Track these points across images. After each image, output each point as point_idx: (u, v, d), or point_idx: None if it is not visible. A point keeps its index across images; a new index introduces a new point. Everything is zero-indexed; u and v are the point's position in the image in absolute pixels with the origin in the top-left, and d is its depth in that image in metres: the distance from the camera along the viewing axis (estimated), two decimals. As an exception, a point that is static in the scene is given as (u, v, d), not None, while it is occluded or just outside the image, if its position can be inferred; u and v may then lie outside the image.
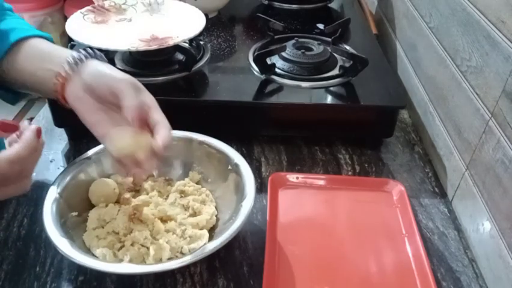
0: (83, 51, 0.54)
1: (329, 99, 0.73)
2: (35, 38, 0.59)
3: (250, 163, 0.60)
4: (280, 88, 0.74)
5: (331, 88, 0.74)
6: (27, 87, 0.59)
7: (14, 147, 0.45)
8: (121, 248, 0.53)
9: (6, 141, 0.48)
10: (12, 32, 0.58)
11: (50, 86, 0.53)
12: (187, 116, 0.72)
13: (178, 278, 0.54)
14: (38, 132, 0.47)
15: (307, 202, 0.63)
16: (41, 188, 0.57)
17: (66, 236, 0.50)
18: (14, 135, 0.47)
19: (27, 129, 0.47)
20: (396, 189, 0.64)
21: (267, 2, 1.05)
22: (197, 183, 0.62)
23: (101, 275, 0.53)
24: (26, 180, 0.48)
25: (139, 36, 0.76)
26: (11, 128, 0.47)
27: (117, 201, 0.59)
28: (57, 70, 0.52)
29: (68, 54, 0.53)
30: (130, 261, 0.51)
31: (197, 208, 0.58)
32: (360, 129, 0.75)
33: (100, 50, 0.72)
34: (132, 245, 0.52)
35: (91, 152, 0.61)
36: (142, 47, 0.71)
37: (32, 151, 0.46)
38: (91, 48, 0.55)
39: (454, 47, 0.67)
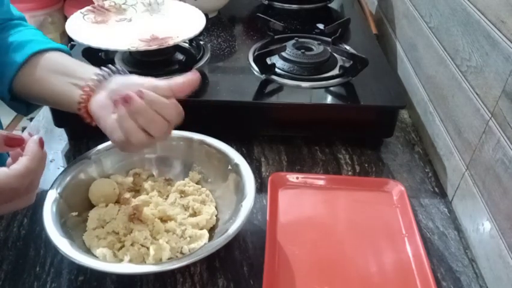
0: (106, 69, 0.54)
1: (329, 99, 0.73)
2: (53, 51, 0.59)
3: (250, 163, 0.60)
4: (280, 88, 0.74)
5: (331, 88, 0.74)
6: (44, 100, 0.59)
7: (22, 161, 0.44)
8: (121, 248, 0.53)
9: (9, 159, 0.47)
10: (30, 44, 0.59)
11: (73, 98, 0.53)
12: (187, 116, 0.71)
13: (178, 278, 0.54)
14: (41, 143, 0.46)
15: (307, 202, 0.63)
16: (41, 188, 0.57)
17: (66, 236, 0.50)
18: (17, 149, 0.47)
19: (31, 140, 0.46)
20: (396, 189, 0.64)
21: (267, 2, 1.05)
22: (197, 183, 0.62)
23: (101, 275, 0.53)
24: (33, 193, 0.48)
25: (139, 36, 0.76)
26: (16, 142, 0.47)
27: (117, 201, 0.59)
28: (83, 83, 0.53)
29: (92, 71, 0.54)
30: (130, 261, 0.51)
31: (197, 208, 0.58)
32: (360, 129, 0.75)
33: (100, 50, 0.73)
34: (132, 245, 0.52)
35: (91, 152, 0.61)
36: (142, 47, 0.71)
37: (39, 163, 0.46)
38: (114, 66, 0.55)
39: (454, 47, 0.67)
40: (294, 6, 1.02)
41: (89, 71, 0.54)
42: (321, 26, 0.94)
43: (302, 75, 0.76)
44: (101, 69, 0.54)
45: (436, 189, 0.68)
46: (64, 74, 0.56)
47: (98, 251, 0.52)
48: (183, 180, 0.62)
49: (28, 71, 0.57)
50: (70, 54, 0.62)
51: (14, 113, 2.35)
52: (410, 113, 0.84)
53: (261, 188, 0.66)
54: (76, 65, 0.57)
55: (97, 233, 0.54)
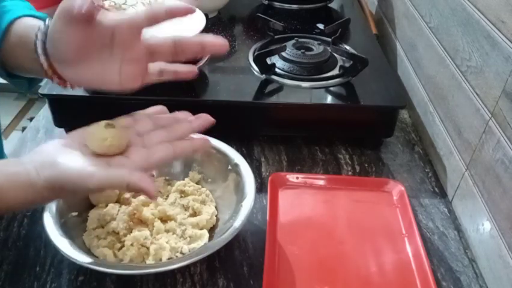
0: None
1: (329, 99, 0.73)
2: (25, 18, 0.56)
3: (250, 163, 0.60)
4: (280, 88, 0.74)
5: (331, 88, 0.74)
6: (25, 69, 0.56)
7: None
8: (121, 248, 0.53)
9: None
10: (5, 15, 0.56)
11: (40, 72, 0.50)
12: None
13: (178, 278, 0.54)
14: None
15: (307, 202, 0.63)
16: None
17: (66, 236, 0.50)
18: None
19: None
20: (396, 189, 0.64)
21: (267, 2, 1.05)
22: (197, 183, 0.62)
23: (101, 275, 0.53)
24: None
25: (139, 36, 0.76)
26: None
27: (117, 201, 0.59)
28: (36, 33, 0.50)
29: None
30: (130, 261, 0.51)
31: (197, 208, 0.58)
32: (360, 129, 0.75)
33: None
34: (132, 245, 0.52)
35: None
36: (142, 47, 0.71)
37: None
38: None
39: (454, 47, 0.67)
40: (294, 6, 1.02)
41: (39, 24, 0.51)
42: (321, 26, 0.94)
43: (302, 75, 0.76)
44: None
45: (436, 189, 0.68)
46: (24, 46, 0.52)
47: (98, 251, 0.52)
48: (183, 180, 0.62)
49: (4, 45, 0.55)
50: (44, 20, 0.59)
51: (14, 113, 2.36)
52: (410, 113, 0.84)
53: (261, 188, 0.66)
54: (34, 23, 0.53)
55: (97, 233, 0.54)
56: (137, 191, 0.44)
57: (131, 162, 0.45)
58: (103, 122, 0.47)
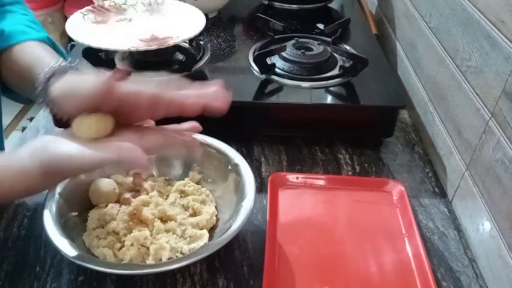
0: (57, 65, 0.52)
1: (329, 99, 0.73)
2: (28, 42, 0.58)
3: (250, 163, 0.60)
4: (280, 88, 0.74)
5: (331, 88, 0.74)
6: (23, 90, 0.58)
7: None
8: (121, 248, 0.53)
9: None
10: (8, 36, 0.58)
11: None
12: (187, 116, 0.72)
13: (178, 278, 0.54)
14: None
15: (307, 202, 0.63)
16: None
17: (66, 236, 0.50)
18: None
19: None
20: (396, 189, 0.64)
21: (267, 2, 1.05)
22: (197, 183, 0.62)
23: (101, 275, 0.53)
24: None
25: (139, 36, 0.76)
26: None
27: (117, 201, 0.59)
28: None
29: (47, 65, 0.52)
30: (130, 261, 0.51)
31: (197, 208, 0.58)
32: (360, 129, 0.75)
33: (100, 50, 0.73)
34: (132, 245, 0.52)
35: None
36: (142, 47, 0.71)
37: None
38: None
39: (454, 47, 0.67)
40: (294, 6, 1.02)
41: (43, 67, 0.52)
42: (321, 26, 0.94)
43: (302, 75, 0.76)
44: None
45: (436, 189, 0.68)
46: (22, 72, 0.54)
47: (98, 251, 0.52)
48: (183, 180, 0.62)
49: (3, 65, 0.57)
50: (46, 43, 0.60)
51: (14, 113, 2.35)
52: (410, 113, 0.84)
53: (261, 188, 0.66)
54: (35, 61, 0.55)
55: (97, 233, 0.54)
56: (129, 163, 0.45)
57: (122, 140, 0.46)
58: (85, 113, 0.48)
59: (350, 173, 0.70)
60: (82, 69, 0.53)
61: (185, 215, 0.57)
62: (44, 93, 0.50)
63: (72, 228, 0.54)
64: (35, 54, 0.56)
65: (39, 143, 0.46)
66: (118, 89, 0.45)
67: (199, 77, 0.77)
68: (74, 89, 0.47)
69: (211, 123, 0.72)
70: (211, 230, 0.57)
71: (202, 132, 0.64)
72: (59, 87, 0.48)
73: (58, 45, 0.63)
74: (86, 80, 0.47)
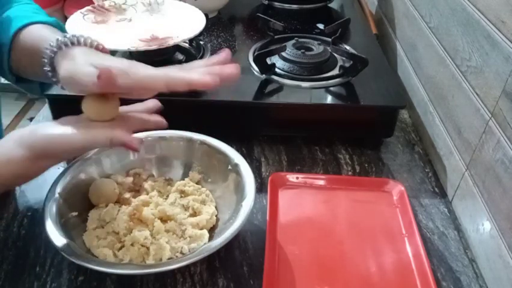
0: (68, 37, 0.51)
1: (329, 99, 0.73)
2: (35, 25, 0.57)
3: (250, 163, 0.60)
4: (280, 88, 0.74)
5: (331, 88, 0.74)
6: (35, 75, 0.58)
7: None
8: (121, 248, 0.53)
9: None
10: (13, 22, 0.58)
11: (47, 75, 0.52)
12: (187, 116, 0.72)
13: (178, 278, 0.54)
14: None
15: (307, 202, 0.63)
16: (41, 188, 0.57)
17: (66, 236, 0.50)
18: None
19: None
20: (396, 189, 0.64)
21: (267, 2, 1.05)
22: (197, 183, 0.62)
23: (101, 275, 0.53)
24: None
25: (139, 36, 0.76)
26: None
27: (117, 201, 0.59)
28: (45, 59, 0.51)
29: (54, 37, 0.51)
30: (130, 261, 0.51)
31: (197, 208, 0.58)
32: (360, 129, 0.75)
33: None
34: (132, 245, 0.52)
35: (91, 152, 0.61)
36: (142, 47, 0.71)
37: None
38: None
39: (454, 47, 0.67)
40: (294, 6, 1.02)
41: (51, 38, 0.52)
42: (321, 26, 0.94)
43: (302, 75, 0.76)
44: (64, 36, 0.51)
45: (436, 189, 0.68)
46: (32, 54, 0.54)
47: (98, 251, 0.52)
48: (183, 180, 0.62)
49: (13, 52, 0.57)
50: (54, 26, 0.59)
51: (14, 113, 2.35)
52: (410, 113, 0.84)
53: (261, 188, 0.66)
54: (41, 38, 0.54)
55: (97, 233, 0.54)
56: (120, 145, 0.46)
57: (112, 123, 0.48)
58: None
59: (350, 173, 0.70)
60: (86, 44, 0.51)
61: (185, 215, 0.57)
62: (53, 70, 0.51)
63: (72, 228, 0.54)
64: (42, 34, 0.56)
65: (26, 131, 0.47)
66: (133, 74, 0.46)
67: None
68: (74, 78, 0.47)
69: (211, 123, 0.73)
70: (211, 230, 0.57)
71: (202, 132, 0.64)
72: (64, 67, 0.48)
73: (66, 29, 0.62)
74: (84, 70, 0.46)
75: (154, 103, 0.52)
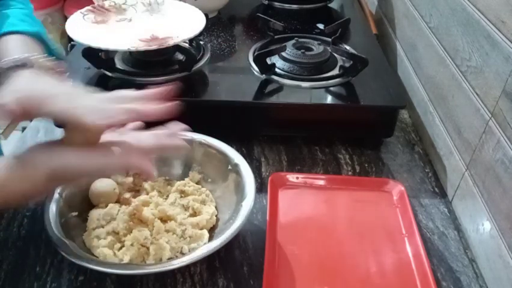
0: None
1: (329, 99, 0.73)
2: (11, 35, 0.57)
3: (250, 163, 0.60)
4: (280, 88, 0.74)
5: (331, 88, 0.74)
6: None
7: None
8: (121, 248, 0.53)
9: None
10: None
11: None
12: (187, 116, 0.72)
13: (178, 278, 0.54)
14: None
15: (307, 202, 0.63)
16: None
17: (66, 236, 0.50)
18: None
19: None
20: (396, 189, 0.64)
21: (267, 2, 1.05)
22: (197, 183, 0.62)
23: (101, 275, 0.53)
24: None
25: (139, 36, 0.76)
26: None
27: (117, 201, 0.59)
28: None
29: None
30: (130, 261, 0.51)
31: (197, 208, 0.58)
32: (360, 129, 0.75)
33: (100, 50, 0.73)
34: (132, 245, 0.52)
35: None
36: (142, 47, 0.71)
37: None
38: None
39: (454, 47, 0.67)
40: (294, 6, 1.02)
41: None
42: (321, 26, 0.94)
43: (302, 75, 0.76)
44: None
45: (436, 189, 0.68)
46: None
47: (98, 251, 0.52)
48: (183, 180, 0.62)
49: None
50: (34, 35, 0.59)
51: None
52: (410, 113, 0.84)
53: (261, 188, 0.66)
54: (4, 54, 0.54)
55: (97, 233, 0.54)
56: (136, 171, 0.46)
57: (130, 149, 0.47)
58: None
59: (350, 173, 0.70)
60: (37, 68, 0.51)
61: (185, 215, 0.57)
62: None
63: (72, 228, 0.54)
64: (10, 46, 0.55)
65: (42, 152, 0.46)
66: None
67: (199, 77, 0.77)
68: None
69: (211, 123, 0.73)
70: (211, 230, 0.57)
71: (202, 132, 0.64)
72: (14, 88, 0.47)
73: (49, 40, 0.61)
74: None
75: (179, 127, 0.52)
